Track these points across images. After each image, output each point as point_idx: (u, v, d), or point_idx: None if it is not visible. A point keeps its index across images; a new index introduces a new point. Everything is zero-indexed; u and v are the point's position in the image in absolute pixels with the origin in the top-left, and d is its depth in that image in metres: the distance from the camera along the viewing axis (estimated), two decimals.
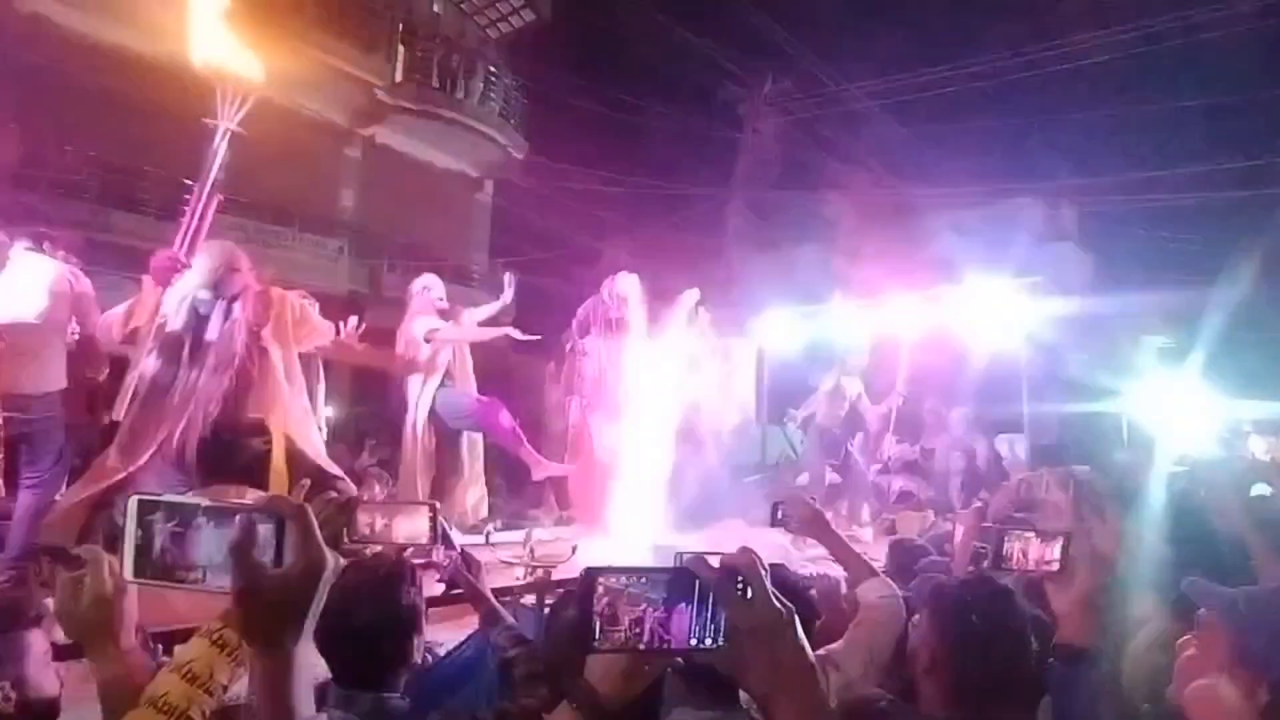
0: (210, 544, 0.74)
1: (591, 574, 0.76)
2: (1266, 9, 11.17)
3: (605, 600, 0.75)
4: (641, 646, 0.76)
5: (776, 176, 15.08)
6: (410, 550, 2.24)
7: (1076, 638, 1.59)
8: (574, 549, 4.48)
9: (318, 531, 0.73)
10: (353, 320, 3.95)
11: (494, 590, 2.21)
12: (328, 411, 4.92)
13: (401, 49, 11.69)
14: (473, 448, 5.08)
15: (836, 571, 2.31)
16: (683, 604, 0.75)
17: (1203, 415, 6.26)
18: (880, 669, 1.71)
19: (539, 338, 5.39)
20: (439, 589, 2.37)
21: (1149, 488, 2.38)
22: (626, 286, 5.16)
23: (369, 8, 11.26)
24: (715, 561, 0.77)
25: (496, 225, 14.32)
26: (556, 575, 3.26)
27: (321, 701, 1.35)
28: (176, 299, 3.15)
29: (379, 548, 2.17)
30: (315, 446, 3.37)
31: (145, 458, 2.97)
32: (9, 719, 1.35)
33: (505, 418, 4.87)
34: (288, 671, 0.70)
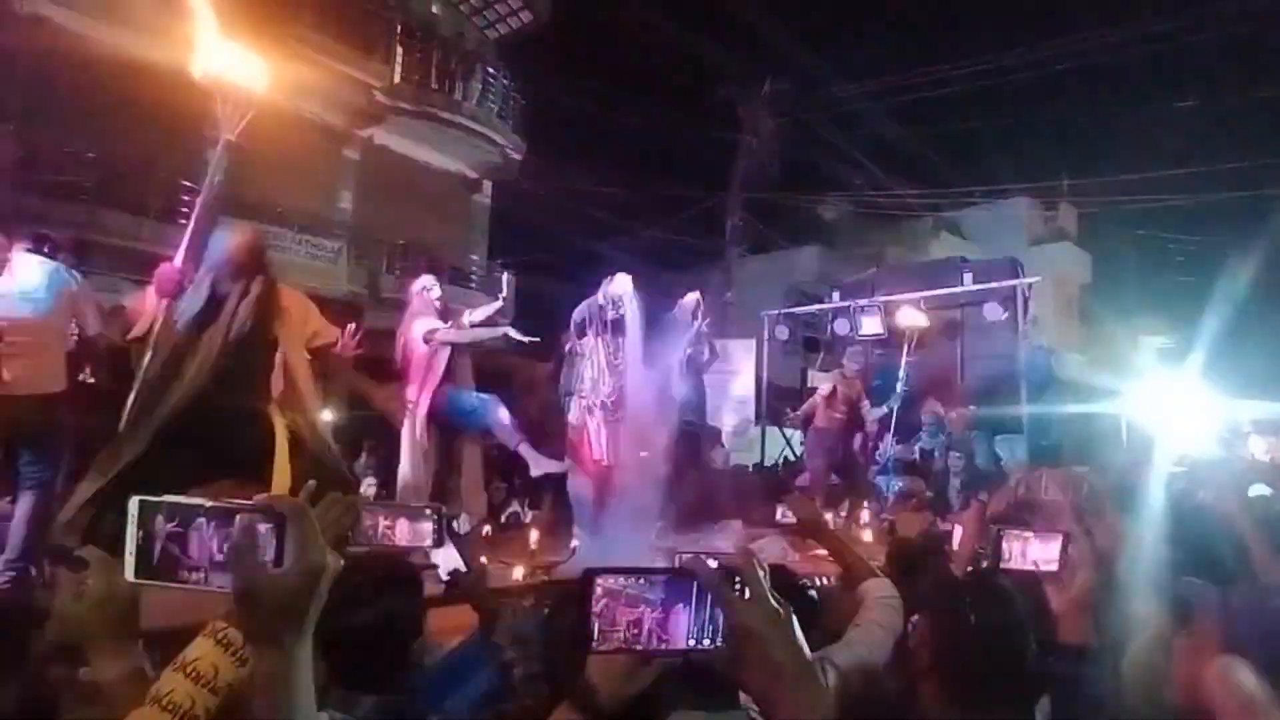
0: (211, 544, 0.74)
1: (590, 575, 0.77)
2: (1266, 10, 11.19)
3: (603, 601, 0.75)
4: (639, 647, 0.77)
5: (775, 177, 15.09)
6: (410, 552, 2.25)
7: (1076, 638, 1.59)
8: (573, 549, 4.50)
9: (318, 532, 0.73)
10: (350, 327, 3.92)
11: (494, 590, 2.22)
12: (326, 414, 4.93)
13: (400, 50, 11.68)
14: (472, 449, 5.08)
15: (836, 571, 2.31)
16: (680, 605, 0.76)
17: (1203, 415, 6.26)
18: (880, 669, 1.71)
19: (538, 339, 5.41)
20: (439, 589, 2.37)
21: (1148, 488, 2.38)
22: (621, 287, 5.17)
23: (367, 9, 11.26)
24: (713, 563, 0.78)
25: (495, 226, 14.35)
26: (555, 576, 3.27)
27: (323, 703, 1.35)
28: (200, 274, 3.09)
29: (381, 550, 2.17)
30: (323, 443, 3.32)
31: (150, 442, 2.90)
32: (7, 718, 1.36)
33: (504, 413, 4.91)
34: (288, 671, 0.71)
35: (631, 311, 5.13)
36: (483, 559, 3.06)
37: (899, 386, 7.29)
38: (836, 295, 9.67)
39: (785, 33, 14.29)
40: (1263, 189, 12.29)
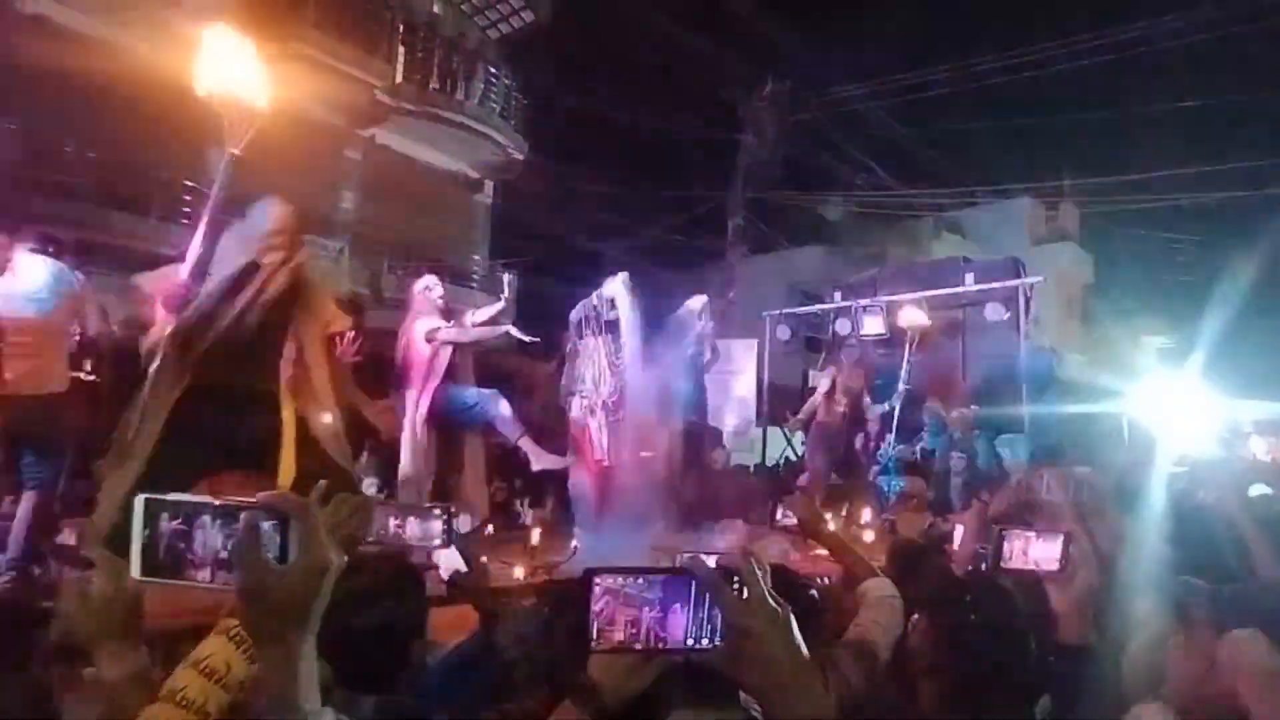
0: (216, 542, 0.75)
1: (590, 574, 0.77)
2: (1268, 11, 11.19)
3: (603, 601, 0.76)
4: (639, 646, 0.77)
5: (777, 177, 15.09)
6: (412, 552, 2.25)
7: (1076, 637, 1.60)
8: (574, 549, 4.51)
9: (322, 530, 0.74)
10: (349, 335, 3.87)
11: (494, 590, 2.22)
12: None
13: (401, 50, 11.67)
14: (474, 448, 5.09)
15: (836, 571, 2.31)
16: (679, 604, 0.76)
17: (1203, 415, 6.25)
18: (880, 669, 1.71)
19: (539, 338, 5.42)
20: (440, 589, 2.37)
21: (1149, 488, 2.38)
22: (616, 287, 5.18)
23: (369, 9, 11.26)
24: (712, 562, 0.78)
25: (496, 226, 14.34)
26: (556, 575, 3.27)
27: (324, 703, 1.35)
28: (233, 244, 3.05)
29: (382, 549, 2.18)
30: (335, 440, 3.24)
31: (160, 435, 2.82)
32: None
33: (505, 407, 4.90)
34: (293, 668, 0.71)
35: (626, 312, 5.13)
36: (483, 559, 3.06)
37: (900, 386, 7.29)
38: (838, 295, 9.66)
39: (787, 33, 14.32)
40: (1264, 189, 12.30)
